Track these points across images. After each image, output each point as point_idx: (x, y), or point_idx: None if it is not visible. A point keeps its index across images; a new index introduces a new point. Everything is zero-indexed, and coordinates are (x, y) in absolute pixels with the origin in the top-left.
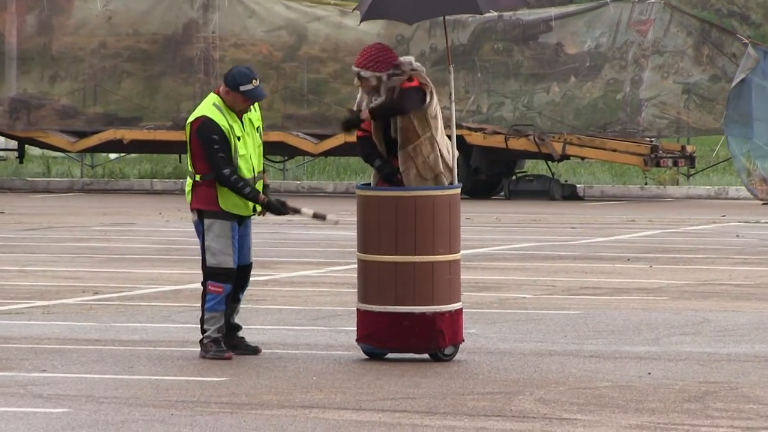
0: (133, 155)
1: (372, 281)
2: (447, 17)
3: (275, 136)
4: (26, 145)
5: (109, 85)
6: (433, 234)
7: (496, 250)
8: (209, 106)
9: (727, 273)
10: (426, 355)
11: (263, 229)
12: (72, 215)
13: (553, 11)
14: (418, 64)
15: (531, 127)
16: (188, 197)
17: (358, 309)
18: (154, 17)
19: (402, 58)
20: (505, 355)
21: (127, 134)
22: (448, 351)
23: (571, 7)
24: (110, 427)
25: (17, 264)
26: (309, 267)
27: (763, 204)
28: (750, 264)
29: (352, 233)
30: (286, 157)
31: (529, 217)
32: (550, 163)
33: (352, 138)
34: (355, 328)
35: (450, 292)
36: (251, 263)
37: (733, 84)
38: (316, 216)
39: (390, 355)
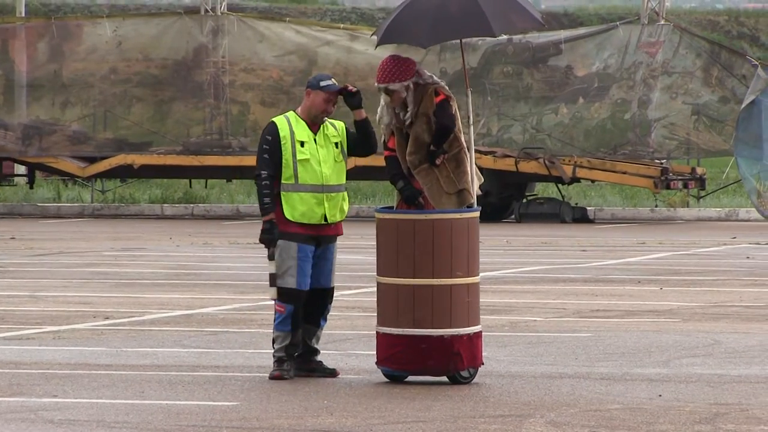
0: (143, 180)
1: (390, 304)
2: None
3: None
4: (36, 171)
5: (120, 110)
6: (451, 257)
7: (506, 273)
8: (280, 116)
9: (738, 295)
10: (439, 378)
11: None
12: (82, 240)
13: (563, 34)
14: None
15: (541, 149)
16: None
17: (377, 332)
18: (164, 42)
19: (420, 67)
20: (516, 378)
21: (138, 159)
22: (465, 374)
23: (581, 30)
24: None
25: (28, 289)
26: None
27: None
28: (760, 286)
29: (363, 257)
30: None
31: (539, 240)
32: (560, 185)
33: (363, 162)
34: (374, 352)
35: (468, 315)
36: (330, 288)
37: (743, 105)
38: (270, 276)
39: (399, 378)
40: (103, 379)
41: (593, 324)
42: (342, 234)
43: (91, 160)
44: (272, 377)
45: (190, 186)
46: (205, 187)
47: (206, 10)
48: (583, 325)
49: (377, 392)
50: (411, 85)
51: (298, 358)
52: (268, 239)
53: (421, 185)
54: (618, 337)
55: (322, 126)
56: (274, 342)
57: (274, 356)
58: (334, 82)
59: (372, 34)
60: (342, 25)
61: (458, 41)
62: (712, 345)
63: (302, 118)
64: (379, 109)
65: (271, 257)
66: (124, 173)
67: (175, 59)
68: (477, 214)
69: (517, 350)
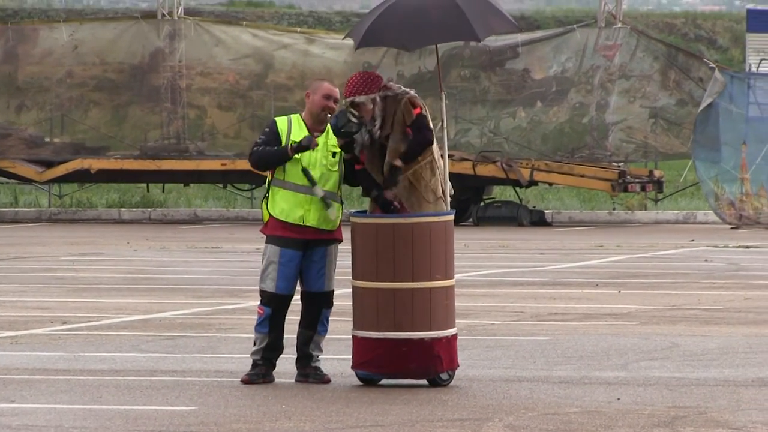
0: (100, 185)
1: (370, 308)
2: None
3: (243, 164)
4: None
5: (76, 114)
6: (430, 260)
7: (464, 277)
8: (284, 116)
9: (696, 298)
10: (397, 382)
11: (233, 257)
12: (40, 245)
13: (520, 37)
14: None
15: (498, 153)
16: None
17: (354, 336)
18: (121, 46)
19: (387, 82)
20: (474, 382)
21: (95, 164)
22: (444, 376)
23: (538, 33)
24: None
25: None
26: None
27: (732, 228)
28: (718, 288)
29: None
30: (254, 186)
31: (497, 243)
32: (518, 189)
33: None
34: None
35: (447, 317)
36: (321, 292)
37: (701, 108)
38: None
39: (359, 382)
40: (61, 384)
41: (551, 327)
42: (340, 240)
43: (48, 165)
44: (241, 380)
45: (148, 190)
46: (163, 191)
47: (163, 15)
48: (541, 328)
49: (335, 396)
50: (378, 99)
51: (296, 362)
52: (305, 144)
53: (402, 197)
54: (576, 340)
55: (326, 132)
56: (254, 343)
57: (252, 358)
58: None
59: (345, 37)
60: (299, 29)
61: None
62: (671, 348)
63: (305, 122)
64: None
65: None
66: (81, 178)
67: (131, 63)
68: (452, 217)
69: (475, 354)
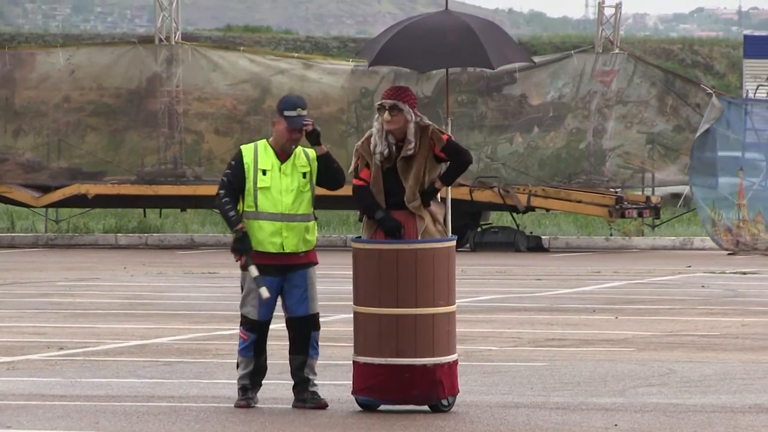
0: (97, 210)
1: (372, 334)
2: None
3: None
4: None
5: (73, 139)
6: (433, 286)
7: (461, 303)
8: (250, 143)
9: (693, 324)
10: (396, 408)
11: (229, 283)
12: (36, 270)
13: (518, 63)
14: None
15: (495, 178)
16: None
17: (355, 362)
18: (118, 71)
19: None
20: (472, 408)
21: (92, 189)
22: (445, 402)
23: (536, 59)
24: None
25: None
26: (274, 321)
27: (729, 254)
28: (715, 315)
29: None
30: None
31: (494, 268)
32: (515, 214)
33: (318, 191)
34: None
35: (448, 344)
36: (307, 316)
37: (698, 134)
38: (255, 279)
39: (357, 408)
40: (58, 409)
41: (548, 353)
42: (316, 262)
43: (45, 190)
44: (237, 406)
45: (145, 215)
46: (160, 216)
47: (160, 40)
48: (538, 354)
49: (333, 422)
50: (413, 117)
51: (293, 388)
52: (239, 248)
53: (417, 217)
54: (573, 366)
55: (293, 155)
56: (238, 366)
57: (238, 383)
58: (299, 112)
59: (356, 55)
60: (296, 54)
61: (448, 71)
62: (668, 374)
63: (272, 146)
64: (372, 138)
65: (244, 268)
66: (78, 203)
67: (128, 88)
68: (454, 243)
69: (473, 380)
